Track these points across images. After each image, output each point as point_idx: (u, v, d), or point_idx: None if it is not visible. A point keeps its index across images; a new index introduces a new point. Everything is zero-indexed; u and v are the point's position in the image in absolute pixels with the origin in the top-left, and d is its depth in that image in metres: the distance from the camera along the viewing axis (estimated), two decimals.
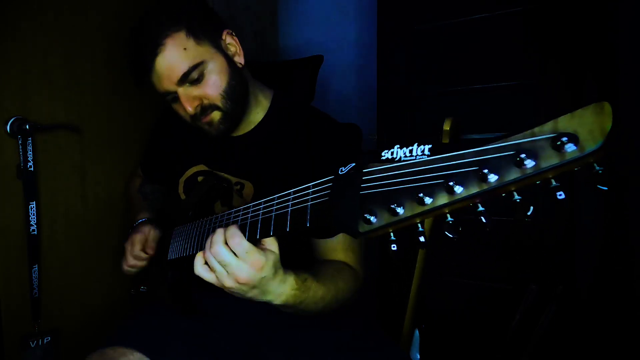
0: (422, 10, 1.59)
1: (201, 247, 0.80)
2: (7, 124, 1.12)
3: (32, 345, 1.19)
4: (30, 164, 1.14)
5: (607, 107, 0.34)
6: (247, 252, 0.63)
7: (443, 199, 0.41)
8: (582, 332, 1.35)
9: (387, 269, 1.66)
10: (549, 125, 0.36)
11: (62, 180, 1.26)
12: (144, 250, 1.00)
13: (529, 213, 0.38)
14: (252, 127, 1.00)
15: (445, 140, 1.12)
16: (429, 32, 1.59)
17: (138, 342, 0.81)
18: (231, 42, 0.93)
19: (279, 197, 0.63)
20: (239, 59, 0.94)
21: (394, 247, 0.45)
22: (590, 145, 0.34)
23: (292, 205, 0.59)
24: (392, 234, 0.45)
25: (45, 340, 1.22)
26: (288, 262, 0.70)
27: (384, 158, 0.46)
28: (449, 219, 0.42)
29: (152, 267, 1.05)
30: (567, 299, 1.31)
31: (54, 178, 1.24)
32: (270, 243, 0.67)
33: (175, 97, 0.90)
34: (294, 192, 0.60)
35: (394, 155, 0.46)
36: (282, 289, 0.69)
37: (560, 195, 0.36)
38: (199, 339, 0.88)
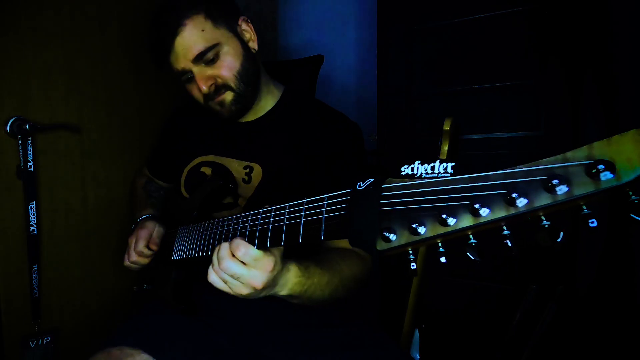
0: (422, 10, 1.59)
1: (206, 250, 0.80)
2: (7, 124, 1.12)
3: (32, 345, 1.19)
4: (30, 164, 1.14)
5: None
6: (255, 260, 0.64)
7: (467, 221, 0.39)
8: (582, 332, 1.35)
9: (388, 269, 1.66)
10: (583, 151, 0.35)
11: (62, 180, 1.26)
12: (147, 246, 1.00)
13: (558, 240, 0.36)
14: (263, 113, 1.02)
15: (446, 141, 1.12)
16: (429, 32, 1.59)
17: (144, 343, 0.82)
18: (246, 29, 0.97)
19: (290, 207, 0.62)
20: (253, 45, 0.98)
21: (413, 266, 0.44)
22: (629, 174, 0.32)
23: (305, 216, 0.58)
24: (410, 253, 0.44)
25: (45, 340, 1.22)
26: (293, 252, 0.70)
27: (403, 173, 0.45)
28: (472, 240, 0.40)
29: (155, 265, 1.04)
30: (567, 299, 1.32)
31: (54, 178, 1.24)
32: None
33: (190, 78, 0.94)
34: (307, 203, 0.59)
35: (415, 172, 0.45)
36: (286, 279, 0.70)
37: (592, 222, 0.34)
38: (201, 339, 0.88)
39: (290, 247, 0.67)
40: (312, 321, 0.92)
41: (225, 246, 0.66)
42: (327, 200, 0.55)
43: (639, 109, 1.22)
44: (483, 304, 1.53)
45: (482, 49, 1.50)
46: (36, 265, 1.18)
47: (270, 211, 0.65)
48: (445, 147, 1.13)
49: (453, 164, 0.42)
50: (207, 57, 0.90)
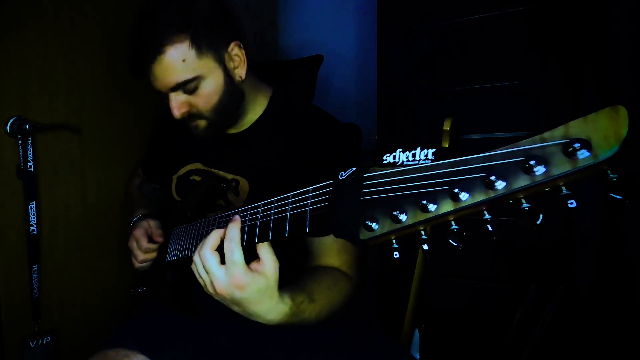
0: (422, 10, 1.59)
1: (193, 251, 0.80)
2: (7, 124, 1.12)
3: (32, 345, 1.19)
4: (30, 164, 1.14)
5: (623, 111, 0.32)
6: (233, 263, 0.61)
7: (448, 207, 0.39)
8: (582, 332, 1.35)
9: (387, 269, 1.66)
10: (560, 130, 0.35)
11: (62, 180, 1.26)
12: (151, 241, 1.00)
13: (538, 222, 0.36)
14: (249, 125, 1.00)
15: (446, 141, 1.12)
16: (429, 32, 1.59)
17: (140, 344, 0.81)
18: (237, 54, 0.90)
19: (277, 201, 0.61)
20: (241, 72, 0.91)
21: (396, 254, 0.44)
22: (605, 152, 0.32)
23: (291, 209, 0.58)
24: (394, 241, 0.44)
25: (45, 340, 1.22)
26: (281, 269, 0.67)
27: (385, 162, 0.45)
28: (454, 226, 0.40)
29: (150, 267, 1.04)
30: (567, 299, 1.32)
31: (54, 178, 1.24)
32: (267, 264, 0.63)
33: (165, 95, 0.90)
34: (293, 196, 0.58)
35: (396, 159, 0.44)
36: (270, 317, 0.66)
37: (571, 203, 0.34)
38: (200, 340, 0.88)
39: (279, 251, 0.65)
40: None
41: (216, 234, 0.65)
42: (312, 192, 0.55)
43: (639, 109, 1.22)
44: (483, 304, 1.53)
45: (482, 49, 1.50)
46: (36, 265, 1.18)
47: (258, 206, 0.65)
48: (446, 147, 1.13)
49: (433, 150, 0.42)
50: (185, 88, 0.86)
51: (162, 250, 1.00)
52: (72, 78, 1.26)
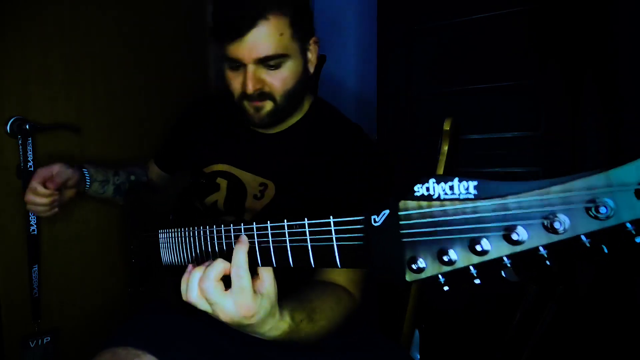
0: (422, 10, 1.59)
1: (194, 259, 0.77)
2: (7, 124, 1.12)
3: (32, 345, 1.19)
4: (30, 164, 1.14)
5: None
6: (242, 290, 0.57)
7: (504, 250, 0.37)
8: (582, 332, 1.35)
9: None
10: (631, 168, 0.32)
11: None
12: (44, 185, 0.96)
13: (605, 252, 0.34)
14: (286, 127, 0.99)
15: (446, 141, 1.12)
16: (429, 32, 1.59)
17: (149, 344, 0.81)
18: (313, 50, 0.94)
19: (289, 227, 0.56)
20: (311, 67, 0.95)
21: (446, 288, 0.41)
22: None
23: (312, 240, 0.53)
24: (440, 278, 0.41)
25: (45, 340, 1.22)
26: (283, 280, 0.65)
27: (418, 194, 0.41)
28: (506, 261, 0.37)
29: (148, 267, 1.04)
30: (567, 299, 1.31)
31: None
32: (267, 282, 0.61)
33: (238, 67, 0.87)
34: (310, 226, 0.53)
35: (430, 192, 0.40)
36: (271, 333, 0.65)
37: (638, 239, 0.32)
38: (201, 340, 0.88)
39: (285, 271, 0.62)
40: None
41: (220, 265, 0.59)
42: (334, 227, 0.50)
43: (639, 109, 1.22)
44: (483, 304, 1.52)
45: (482, 49, 1.50)
46: (36, 265, 1.18)
47: (266, 228, 0.59)
48: (445, 147, 1.13)
49: (475, 183, 0.38)
50: (271, 62, 0.85)
51: (153, 251, 0.98)
52: (72, 78, 1.26)
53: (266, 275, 0.61)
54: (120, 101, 1.39)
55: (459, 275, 0.40)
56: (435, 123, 1.16)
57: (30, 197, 0.97)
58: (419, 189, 0.41)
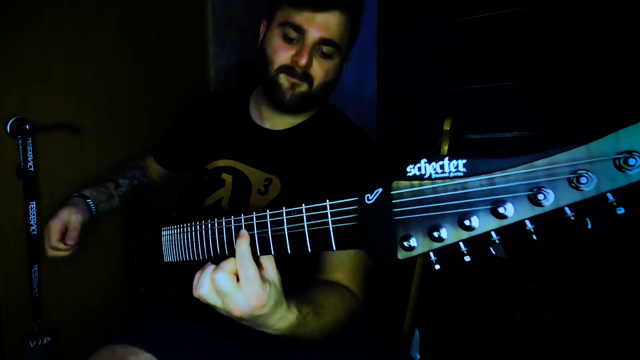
0: (422, 10, 1.59)
1: (204, 255, 0.76)
2: (7, 124, 1.12)
3: (32, 345, 1.19)
4: (30, 164, 1.14)
5: None
6: (249, 280, 0.57)
7: (491, 224, 0.37)
8: (582, 333, 1.35)
9: (387, 269, 1.66)
10: (609, 142, 0.33)
11: (62, 180, 1.26)
12: (63, 241, 0.97)
13: (589, 227, 0.35)
14: (294, 125, 1.00)
15: (446, 141, 1.12)
16: (429, 32, 1.59)
17: (147, 342, 0.81)
18: (345, 62, 0.99)
19: (287, 214, 0.57)
20: (341, 72, 0.99)
21: (438, 266, 0.42)
22: None
23: (309, 226, 0.54)
24: (432, 255, 0.42)
25: (45, 340, 1.22)
26: (287, 279, 0.65)
27: (410, 174, 0.42)
28: (495, 237, 0.38)
29: (148, 267, 1.04)
30: (568, 299, 1.31)
31: (54, 178, 1.24)
32: (271, 270, 0.61)
33: (293, 40, 0.89)
34: (307, 211, 0.54)
35: (422, 172, 0.41)
36: (280, 325, 0.64)
37: (620, 210, 0.33)
38: (201, 340, 0.88)
39: (286, 263, 0.63)
40: None
41: (232, 260, 0.59)
42: (330, 209, 0.51)
43: (639, 109, 1.22)
44: (483, 304, 1.52)
45: (482, 49, 1.50)
46: (36, 265, 1.18)
47: (265, 217, 0.60)
48: (445, 147, 1.13)
49: (464, 161, 0.39)
50: (326, 49, 0.89)
51: (155, 249, 0.98)
52: (72, 78, 1.26)
53: (268, 262, 0.62)
54: (120, 101, 1.39)
55: (449, 253, 0.41)
56: (435, 123, 1.16)
57: (52, 253, 0.99)
58: (411, 169, 0.42)
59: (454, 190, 0.39)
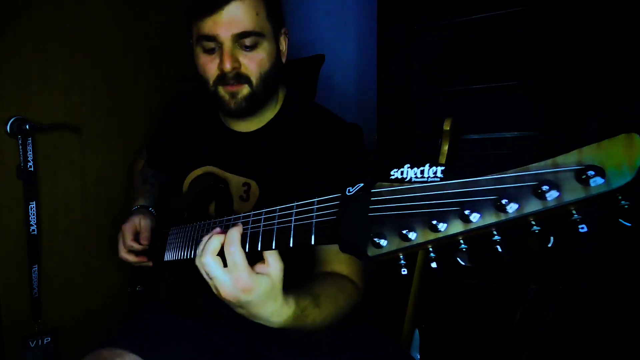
0: (422, 10, 1.59)
1: (194, 253, 0.79)
2: (7, 124, 1.12)
3: (32, 345, 1.19)
4: (30, 164, 1.14)
5: (638, 139, 0.32)
6: (236, 266, 0.60)
7: (458, 227, 0.39)
8: (582, 332, 1.35)
9: (386, 269, 1.66)
10: (573, 156, 0.35)
11: (62, 180, 1.26)
12: (137, 241, 1.00)
13: (549, 245, 0.36)
14: (263, 124, 1.00)
15: (446, 141, 1.12)
16: (429, 32, 1.59)
17: (134, 344, 0.81)
18: (283, 40, 0.96)
19: (280, 210, 0.60)
20: (283, 58, 0.96)
21: (404, 271, 0.43)
22: (619, 181, 0.32)
23: (296, 220, 0.57)
24: (402, 258, 0.43)
25: (45, 340, 1.22)
26: (287, 273, 0.67)
27: (393, 177, 0.44)
28: (463, 245, 0.40)
29: (149, 266, 1.04)
30: (567, 299, 1.32)
31: (54, 178, 1.24)
32: (272, 264, 0.63)
33: (213, 49, 0.87)
34: (297, 207, 0.57)
35: (404, 175, 0.44)
36: (275, 319, 0.66)
37: (582, 228, 0.34)
38: (200, 340, 0.88)
39: (285, 256, 0.65)
40: None
41: (216, 239, 0.62)
42: (317, 205, 0.54)
43: (639, 109, 1.22)
44: (483, 304, 1.53)
45: (482, 49, 1.50)
46: (36, 265, 1.18)
47: (260, 214, 0.63)
48: (445, 147, 1.13)
49: (442, 167, 0.41)
50: (247, 41, 0.85)
51: (159, 249, 0.99)
52: (72, 78, 1.26)
53: (271, 258, 0.63)
54: (120, 101, 1.39)
55: (415, 257, 0.42)
56: (435, 123, 1.16)
57: (125, 255, 1.01)
58: (395, 173, 0.45)
59: (428, 192, 0.41)
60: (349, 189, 0.49)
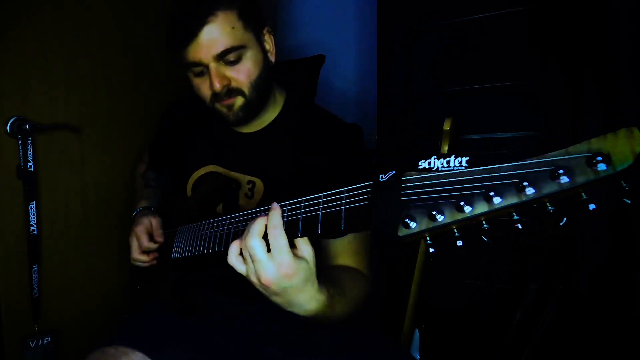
0: (422, 10, 1.59)
1: (209, 248, 0.79)
2: (7, 124, 1.12)
3: (32, 345, 1.19)
4: (30, 164, 1.14)
5: (637, 132, 0.39)
6: (280, 249, 0.60)
7: (482, 208, 0.44)
8: (582, 332, 1.35)
9: (387, 268, 1.66)
10: (583, 146, 0.41)
11: (62, 180, 1.26)
12: (152, 240, 1.00)
13: (561, 223, 0.42)
14: (266, 124, 1.01)
15: (446, 141, 1.12)
16: (429, 32, 1.59)
17: (140, 342, 0.82)
18: (268, 39, 0.96)
19: (306, 201, 0.62)
20: (272, 57, 0.97)
21: (432, 250, 0.48)
22: (621, 165, 0.38)
23: (323, 209, 0.59)
24: (428, 238, 0.48)
25: (45, 340, 1.22)
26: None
27: (421, 167, 0.49)
28: (485, 225, 0.45)
29: (151, 266, 1.04)
30: (567, 299, 1.32)
31: (54, 178, 1.24)
32: (305, 249, 0.63)
33: (202, 72, 0.89)
34: (325, 196, 0.60)
35: (431, 165, 0.49)
36: (310, 306, 0.66)
37: (592, 206, 0.40)
38: (200, 339, 0.88)
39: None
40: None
41: (261, 221, 0.62)
42: (346, 193, 0.58)
43: (639, 109, 1.22)
44: (483, 304, 1.52)
45: (482, 49, 1.50)
46: (36, 265, 1.18)
47: (284, 205, 0.64)
48: (446, 147, 1.13)
49: (467, 158, 0.46)
50: (229, 57, 0.86)
51: (165, 248, 0.99)
52: (72, 78, 1.26)
53: (301, 242, 0.64)
54: (120, 101, 1.39)
55: (444, 235, 0.47)
56: (435, 123, 1.16)
57: (139, 257, 1.00)
58: (422, 164, 0.49)
59: (455, 178, 0.46)
60: (381, 176, 0.53)
